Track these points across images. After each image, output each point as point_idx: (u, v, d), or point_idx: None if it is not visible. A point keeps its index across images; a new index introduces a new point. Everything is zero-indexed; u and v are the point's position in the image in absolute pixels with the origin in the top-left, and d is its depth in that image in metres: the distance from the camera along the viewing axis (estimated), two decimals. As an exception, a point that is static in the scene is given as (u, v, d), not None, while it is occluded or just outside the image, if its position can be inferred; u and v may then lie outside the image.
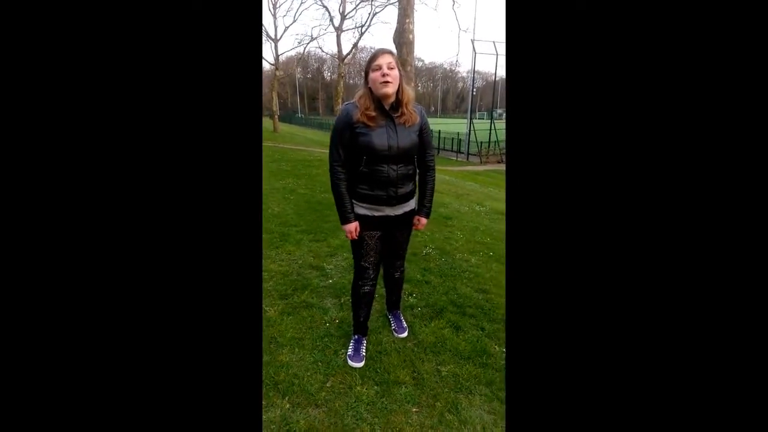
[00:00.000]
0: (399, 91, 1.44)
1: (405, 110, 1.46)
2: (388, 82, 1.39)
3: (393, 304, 2.00)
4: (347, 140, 1.47)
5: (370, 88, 1.44)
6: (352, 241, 1.61)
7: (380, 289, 2.13)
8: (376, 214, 1.56)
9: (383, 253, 1.70)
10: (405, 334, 1.90)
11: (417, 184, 1.64)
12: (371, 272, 1.67)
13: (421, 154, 1.58)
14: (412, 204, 1.64)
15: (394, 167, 1.47)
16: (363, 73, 1.48)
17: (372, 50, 1.49)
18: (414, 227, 1.69)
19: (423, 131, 1.54)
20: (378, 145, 1.42)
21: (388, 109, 1.45)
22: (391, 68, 1.40)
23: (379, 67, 1.39)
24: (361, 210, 1.56)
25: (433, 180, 1.65)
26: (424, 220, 1.67)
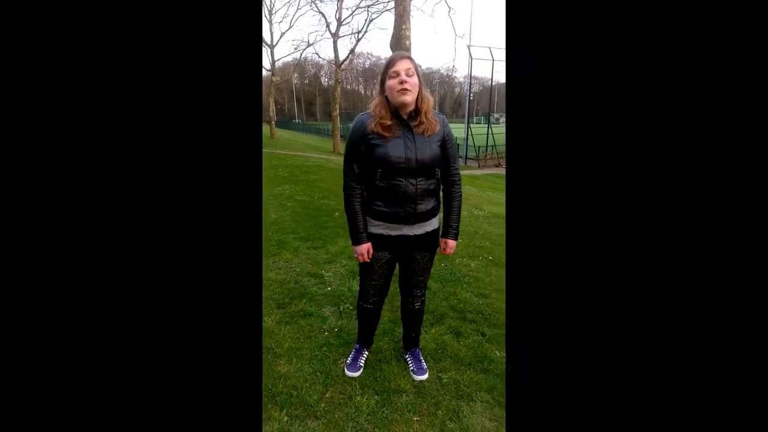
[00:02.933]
0: (418, 99, 1.31)
1: (424, 119, 1.33)
2: (406, 90, 1.26)
3: (411, 342, 1.71)
4: (363, 154, 1.35)
5: (386, 97, 1.32)
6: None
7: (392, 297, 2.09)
8: (393, 233, 1.43)
9: (402, 278, 1.59)
10: (425, 377, 1.62)
11: (441, 201, 1.51)
12: (374, 294, 1.56)
13: (444, 168, 1.43)
14: (434, 223, 1.48)
15: (413, 181, 1.34)
16: (379, 80, 1.36)
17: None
18: (442, 252, 1.52)
19: (446, 142, 1.40)
20: (394, 156, 1.30)
21: (406, 118, 1.33)
22: (410, 75, 1.27)
23: (397, 74, 1.27)
24: (376, 229, 1.43)
25: (460, 196, 1.49)
26: (452, 243, 1.50)
